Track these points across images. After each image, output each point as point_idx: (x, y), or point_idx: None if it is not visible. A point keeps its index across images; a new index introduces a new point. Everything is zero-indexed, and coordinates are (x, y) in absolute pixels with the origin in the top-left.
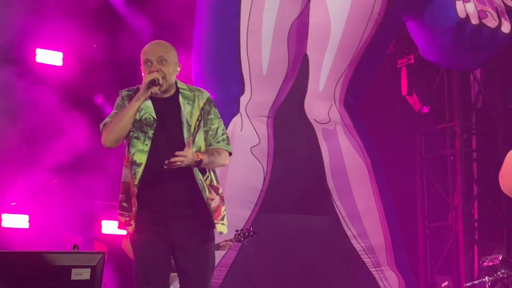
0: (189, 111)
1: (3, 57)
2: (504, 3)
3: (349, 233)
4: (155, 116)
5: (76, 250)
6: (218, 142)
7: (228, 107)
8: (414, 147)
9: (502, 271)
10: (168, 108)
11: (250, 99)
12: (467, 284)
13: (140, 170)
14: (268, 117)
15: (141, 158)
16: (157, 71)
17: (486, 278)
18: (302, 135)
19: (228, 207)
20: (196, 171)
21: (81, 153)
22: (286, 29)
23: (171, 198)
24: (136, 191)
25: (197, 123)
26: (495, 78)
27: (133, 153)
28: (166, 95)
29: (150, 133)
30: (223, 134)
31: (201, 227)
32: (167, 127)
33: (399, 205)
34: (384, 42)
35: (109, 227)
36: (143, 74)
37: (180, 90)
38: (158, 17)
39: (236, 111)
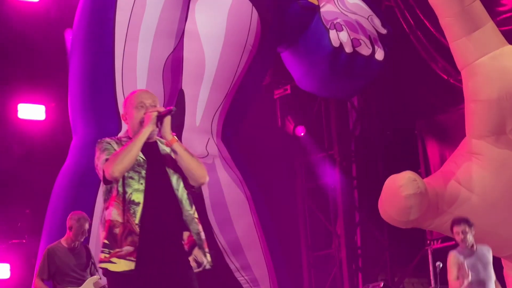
0: (168, 152)
1: None
2: (376, 30)
3: (232, 266)
4: (144, 157)
5: None
6: None
7: None
8: (295, 176)
9: None
10: (152, 150)
11: None
12: None
13: (139, 209)
14: None
15: (139, 197)
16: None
17: None
18: None
19: None
20: (187, 204)
21: None
22: (161, 65)
23: (168, 236)
24: (138, 229)
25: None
26: (372, 105)
27: (131, 193)
28: (149, 140)
29: (143, 172)
30: None
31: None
32: (156, 167)
33: (282, 235)
34: (259, 73)
35: None
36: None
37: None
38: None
39: None
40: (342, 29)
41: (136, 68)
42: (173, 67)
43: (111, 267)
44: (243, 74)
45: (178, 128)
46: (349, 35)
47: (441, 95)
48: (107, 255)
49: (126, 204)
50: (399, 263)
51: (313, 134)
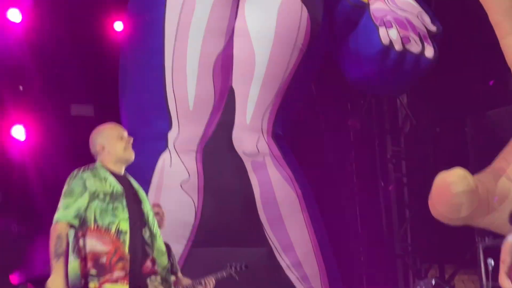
0: (135, 188)
1: None
2: (426, 27)
3: (282, 264)
4: (122, 188)
5: None
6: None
7: (157, 143)
8: (345, 173)
9: None
10: (126, 183)
11: (178, 134)
12: None
13: (127, 237)
14: (196, 151)
15: (125, 225)
16: None
17: None
18: (232, 168)
19: None
20: (161, 240)
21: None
22: (211, 63)
23: (138, 262)
24: (129, 257)
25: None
26: (421, 102)
27: (118, 222)
28: (122, 173)
29: (124, 202)
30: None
31: None
32: (131, 198)
33: (332, 233)
34: (309, 71)
35: None
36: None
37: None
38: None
39: (165, 147)
40: (392, 26)
41: (186, 66)
42: (223, 65)
43: None
44: (293, 72)
45: (228, 126)
46: (398, 32)
47: (491, 92)
48: (97, 284)
49: (114, 234)
50: (449, 260)
51: (363, 131)
